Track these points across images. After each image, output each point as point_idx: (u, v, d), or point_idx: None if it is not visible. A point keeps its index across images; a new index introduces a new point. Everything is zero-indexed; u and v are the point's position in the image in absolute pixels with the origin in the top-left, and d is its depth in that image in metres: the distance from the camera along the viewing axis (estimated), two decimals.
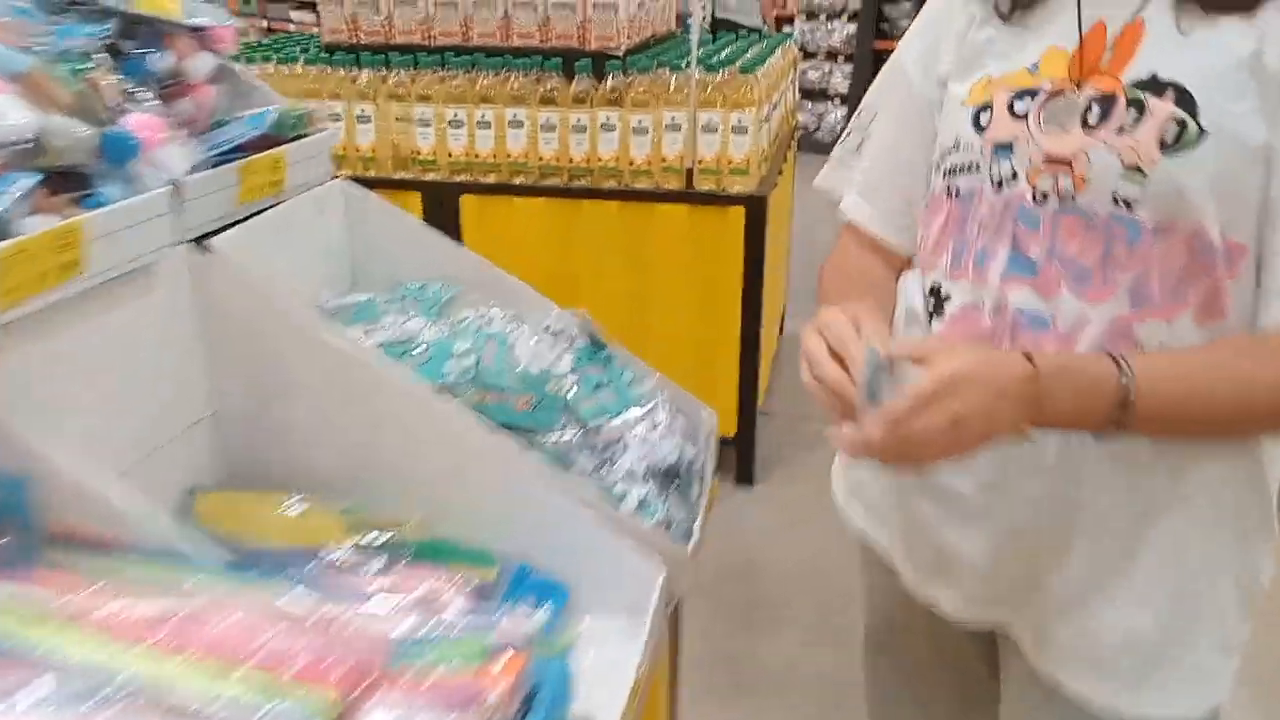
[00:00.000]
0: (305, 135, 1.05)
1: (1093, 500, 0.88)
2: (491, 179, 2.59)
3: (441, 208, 2.62)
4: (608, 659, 0.86)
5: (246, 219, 0.95)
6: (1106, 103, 0.83)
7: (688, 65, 2.42)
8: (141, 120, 0.79)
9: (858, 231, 1.03)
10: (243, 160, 0.92)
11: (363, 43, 2.71)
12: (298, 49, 2.90)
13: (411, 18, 2.63)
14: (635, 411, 1.03)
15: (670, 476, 1.02)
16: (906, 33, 1.02)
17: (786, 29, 6.78)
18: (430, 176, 2.61)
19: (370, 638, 0.52)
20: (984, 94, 0.90)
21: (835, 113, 6.57)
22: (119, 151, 0.72)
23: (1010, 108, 0.88)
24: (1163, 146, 0.79)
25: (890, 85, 1.02)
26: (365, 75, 2.60)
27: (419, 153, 2.59)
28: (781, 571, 2.42)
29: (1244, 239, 0.81)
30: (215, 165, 0.91)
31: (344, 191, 1.12)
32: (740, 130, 2.42)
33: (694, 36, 2.35)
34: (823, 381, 0.79)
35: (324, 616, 0.53)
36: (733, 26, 5.56)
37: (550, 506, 0.89)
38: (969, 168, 0.90)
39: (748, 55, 2.88)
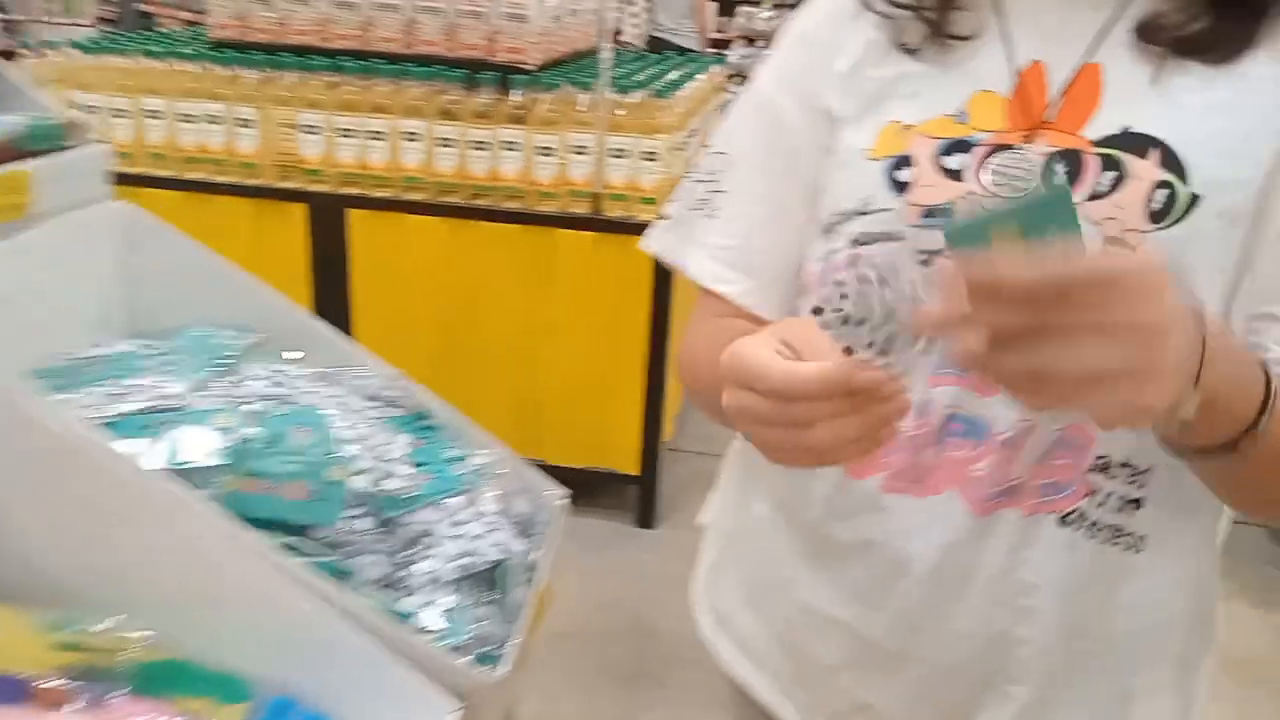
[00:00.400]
0: (67, 148, 0.86)
1: (1034, 637, 0.74)
2: (384, 194, 2.40)
3: (328, 222, 2.43)
4: None
5: None
6: (1071, 162, 0.67)
7: (599, 86, 2.27)
8: None
9: (723, 302, 0.82)
10: None
11: (252, 41, 2.51)
12: (187, 45, 2.69)
13: (307, 17, 2.44)
14: (453, 499, 0.86)
15: (489, 581, 0.85)
16: (768, 59, 0.83)
17: (725, 53, 6.71)
18: (317, 188, 2.42)
19: None
20: (897, 144, 0.72)
21: None
22: None
23: (939, 163, 0.70)
24: (1152, 216, 0.65)
25: (755, 126, 0.81)
26: (251, 76, 2.40)
27: (304, 161, 2.39)
28: (673, 628, 2.26)
29: (1235, 316, 0.66)
30: None
31: (122, 217, 0.93)
32: (651, 157, 2.27)
33: (604, 54, 2.21)
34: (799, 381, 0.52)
35: None
36: (669, 46, 5.46)
37: (315, 626, 0.72)
38: (884, 236, 0.72)
39: (670, 78, 2.74)
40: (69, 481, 0.71)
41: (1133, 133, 0.66)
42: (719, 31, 6.70)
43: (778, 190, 0.81)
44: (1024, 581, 0.72)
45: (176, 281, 0.96)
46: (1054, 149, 0.68)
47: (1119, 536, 0.71)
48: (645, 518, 2.66)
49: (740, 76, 6.65)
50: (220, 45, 2.55)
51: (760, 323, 0.81)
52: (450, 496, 0.86)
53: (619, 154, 2.28)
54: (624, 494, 2.69)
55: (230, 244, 2.55)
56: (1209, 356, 0.52)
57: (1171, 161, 0.65)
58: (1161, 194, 0.65)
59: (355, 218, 2.41)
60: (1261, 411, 0.58)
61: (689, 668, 2.14)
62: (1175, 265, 0.63)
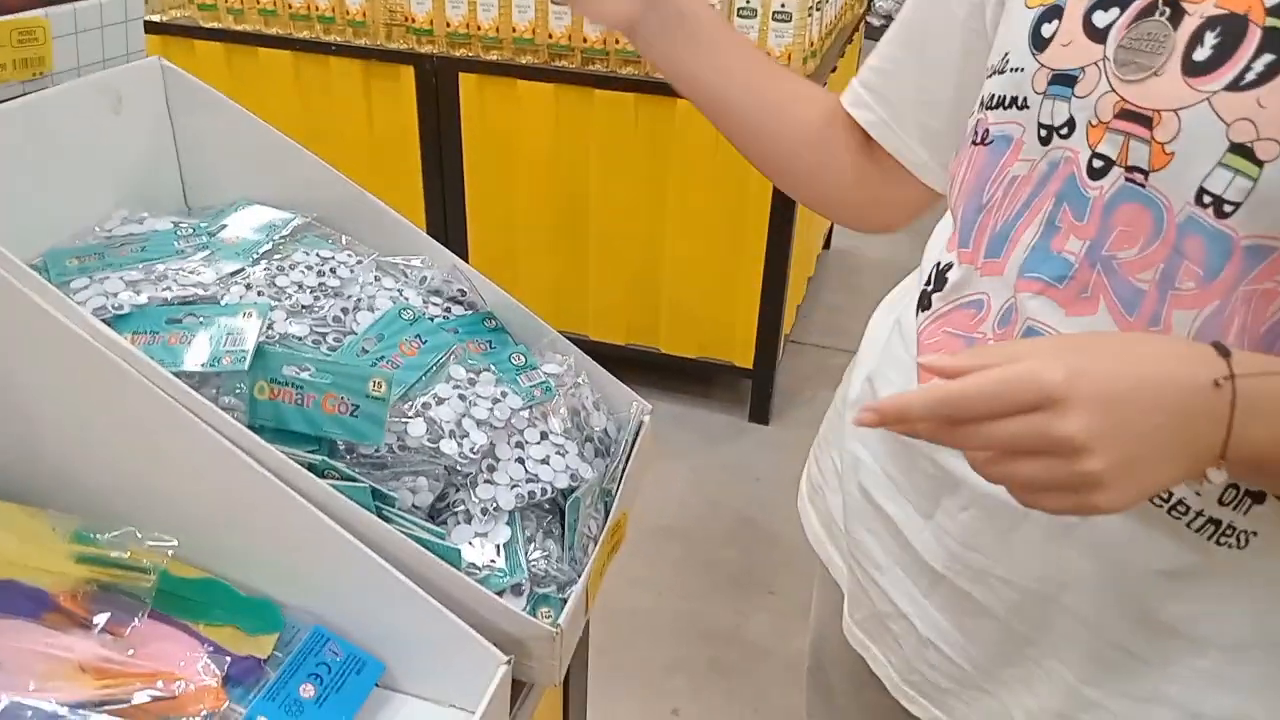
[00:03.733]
0: None
1: (1080, 609, 0.62)
2: (494, 56, 2.25)
3: (437, 86, 2.30)
4: None
5: None
6: (1230, 32, 0.50)
7: None
8: None
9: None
10: None
11: None
12: None
13: None
14: (517, 414, 0.75)
15: (555, 511, 0.74)
16: None
17: None
18: (426, 49, 2.29)
19: None
20: None
21: None
22: None
23: (1088, 19, 0.56)
24: None
25: None
26: None
27: (414, 20, 2.26)
28: (784, 531, 2.16)
29: None
30: None
31: (158, 76, 0.82)
32: (783, 17, 2.04)
33: None
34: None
35: None
36: None
37: (349, 559, 0.63)
38: (1011, 102, 0.60)
39: None
40: (84, 381, 0.63)
41: None
42: None
43: (926, 20, 0.73)
44: (1081, 540, 0.60)
45: (219, 150, 0.86)
46: (1221, 13, 0.51)
47: (1220, 532, 0.56)
48: (760, 413, 2.54)
49: None
50: None
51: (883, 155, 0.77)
52: (510, 412, 0.75)
53: (745, 14, 2.06)
54: (739, 387, 2.56)
55: (340, 106, 2.47)
56: (1244, 420, 0.46)
57: None
58: None
59: (466, 82, 2.28)
60: None
61: (799, 574, 2.04)
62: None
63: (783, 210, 2.24)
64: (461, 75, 2.28)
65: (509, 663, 0.63)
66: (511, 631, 0.65)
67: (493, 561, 0.68)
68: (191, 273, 0.72)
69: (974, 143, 0.64)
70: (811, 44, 2.18)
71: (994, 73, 0.63)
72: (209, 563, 0.67)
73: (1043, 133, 0.58)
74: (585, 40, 2.18)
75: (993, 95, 0.62)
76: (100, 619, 0.63)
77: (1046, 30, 0.58)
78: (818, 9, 2.19)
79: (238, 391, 0.65)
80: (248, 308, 0.69)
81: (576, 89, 2.23)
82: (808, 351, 2.84)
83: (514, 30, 2.21)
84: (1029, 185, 0.59)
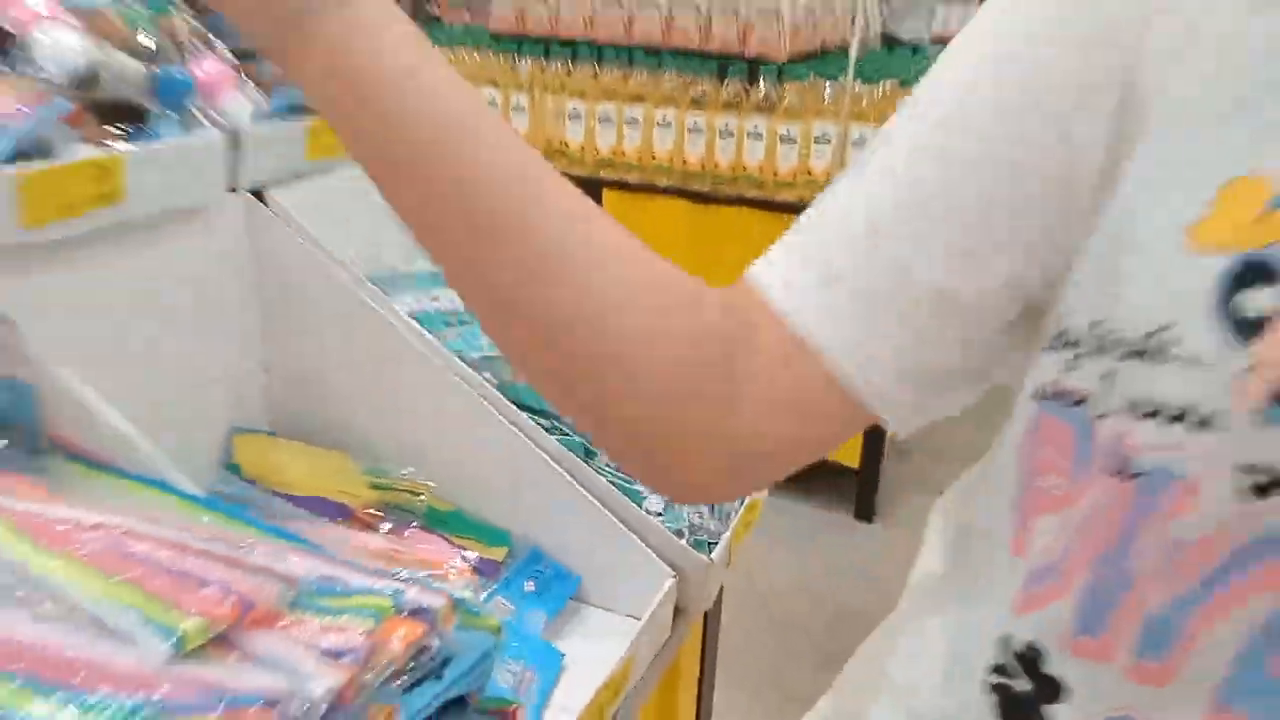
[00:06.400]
0: None
1: None
2: (634, 178, 2.59)
3: None
4: (598, 657, 0.83)
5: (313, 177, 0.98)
6: None
7: (844, 76, 2.35)
8: (208, 65, 0.82)
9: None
10: (311, 118, 0.95)
11: (528, 32, 2.78)
12: (468, 37, 3.01)
13: (577, 12, 2.68)
14: None
15: None
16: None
17: None
18: (575, 171, 2.65)
19: (275, 576, 0.51)
20: (1255, 228, 0.34)
21: None
22: (170, 89, 0.75)
23: None
24: None
25: (959, 82, 0.44)
26: (525, 65, 2.67)
27: (567, 146, 2.63)
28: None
29: None
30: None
31: None
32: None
33: (853, 46, 2.28)
34: None
35: (239, 551, 0.53)
36: (899, 42, 5.34)
37: (562, 496, 0.87)
38: (1182, 415, 0.35)
39: (917, 70, 2.77)
40: (388, 361, 0.90)
41: None
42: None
43: (964, 204, 0.43)
44: None
45: None
46: None
47: None
48: (864, 511, 2.70)
49: None
50: (498, 37, 2.84)
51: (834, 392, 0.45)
52: None
53: (861, 145, 2.35)
54: (841, 486, 2.74)
55: None
56: None
57: None
58: None
59: (609, 198, 2.63)
60: None
61: None
62: None
63: None
64: (605, 191, 2.62)
65: (675, 578, 0.86)
66: (675, 561, 0.87)
67: (660, 510, 0.91)
68: (455, 297, 1.00)
69: (1112, 473, 0.38)
70: None
71: (1129, 353, 0.37)
72: (454, 499, 0.92)
73: (1254, 480, 0.34)
74: (716, 166, 2.50)
75: (1143, 399, 0.36)
76: (385, 526, 0.89)
77: (1254, 303, 0.33)
78: None
79: (494, 373, 0.91)
80: None
81: (706, 206, 2.54)
82: (912, 454, 3.00)
83: (653, 158, 2.55)
84: (1212, 556, 0.36)
